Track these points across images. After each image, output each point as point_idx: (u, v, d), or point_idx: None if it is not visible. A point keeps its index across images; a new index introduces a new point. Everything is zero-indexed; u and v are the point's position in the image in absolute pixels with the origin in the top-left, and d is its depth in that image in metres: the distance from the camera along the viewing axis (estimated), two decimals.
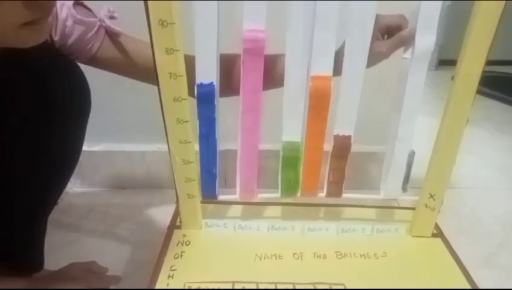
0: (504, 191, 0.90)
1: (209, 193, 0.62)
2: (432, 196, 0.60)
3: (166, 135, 0.55)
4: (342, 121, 0.55)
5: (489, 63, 0.50)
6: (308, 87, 0.52)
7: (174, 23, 0.47)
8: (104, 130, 0.86)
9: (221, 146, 0.61)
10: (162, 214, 0.72)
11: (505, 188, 0.90)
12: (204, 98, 0.53)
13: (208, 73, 0.52)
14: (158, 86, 0.51)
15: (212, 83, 0.52)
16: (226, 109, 0.59)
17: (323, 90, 0.51)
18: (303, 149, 0.58)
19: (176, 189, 0.61)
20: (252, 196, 0.63)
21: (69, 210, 0.82)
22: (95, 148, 0.88)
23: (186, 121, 0.54)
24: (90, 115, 0.69)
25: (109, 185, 0.95)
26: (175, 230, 0.65)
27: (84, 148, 0.83)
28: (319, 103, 0.52)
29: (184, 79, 0.51)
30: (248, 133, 0.57)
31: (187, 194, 0.61)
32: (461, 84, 0.51)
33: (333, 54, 0.50)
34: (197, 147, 0.58)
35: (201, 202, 0.63)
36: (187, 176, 0.59)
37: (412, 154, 0.89)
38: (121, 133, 0.89)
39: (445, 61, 1.76)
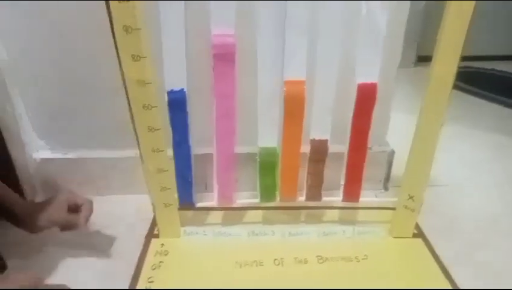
0: (482, 188, 0.90)
1: (186, 200, 0.61)
2: (411, 197, 0.60)
3: (138, 143, 0.54)
4: (318, 125, 0.54)
5: (465, 58, 0.50)
6: (282, 92, 0.51)
7: (140, 29, 0.45)
8: (75, 136, 0.83)
9: (200, 150, 0.60)
10: (139, 222, 0.70)
11: (483, 185, 0.90)
12: (176, 105, 0.52)
13: (177, 79, 0.50)
14: (126, 93, 0.50)
15: (183, 89, 0.51)
16: (206, 111, 0.57)
17: (297, 95, 0.50)
18: (280, 154, 0.56)
19: (151, 198, 0.59)
20: (230, 202, 0.62)
21: None
22: (67, 156, 0.85)
23: (158, 129, 0.52)
24: (61, 121, 0.72)
25: (83, 192, 0.92)
26: (153, 239, 0.63)
27: (56, 155, 0.81)
28: (293, 107, 0.51)
29: (153, 86, 0.49)
30: (223, 139, 0.56)
31: (163, 203, 0.59)
32: (435, 85, 0.51)
33: (305, 58, 0.49)
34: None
35: (180, 209, 0.61)
36: (162, 185, 0.57)
37: (391, 154, 0.90)
38: (93, 139, 0.86)
39: (423, 58, 1.76)
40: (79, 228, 0.58)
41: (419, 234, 0.65)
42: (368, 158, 0.61)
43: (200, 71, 0.52)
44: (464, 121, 1.12)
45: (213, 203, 0.62)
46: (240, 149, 0.59)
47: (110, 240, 0.71)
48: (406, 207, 0.61)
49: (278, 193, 0.61)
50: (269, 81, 0.51)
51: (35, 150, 0.77)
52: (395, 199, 0.62)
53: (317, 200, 0.62)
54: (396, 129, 0.85)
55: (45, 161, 0.77)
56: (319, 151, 0.56)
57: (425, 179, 0.59)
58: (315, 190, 0.61)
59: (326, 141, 0.55)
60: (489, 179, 0.91)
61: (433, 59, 0.50)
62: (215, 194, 0.61)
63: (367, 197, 0.67)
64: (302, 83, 0.50)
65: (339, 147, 0.59)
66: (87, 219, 0.60)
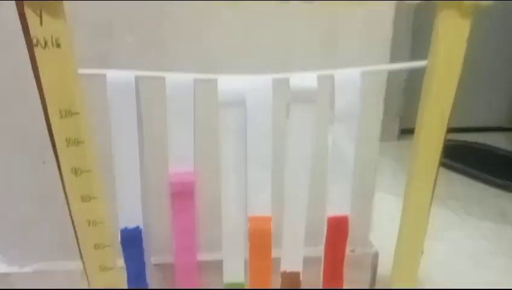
0: (481, 285, 0.82)
1: None
2: None
3: (83, 262, 0.48)
4: (289, 257, 0.50)
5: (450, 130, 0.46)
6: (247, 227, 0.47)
7: (90, 170, 0.42)
8: (35, 248, 0.76)
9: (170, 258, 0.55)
10: None
11: (482, 281, 0.83)
12: (130, 244, 0.47)
13: (132, 216, 0.46)
14: (75, 232, 0.45)
15: (138, 227, 0.47)
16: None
17: (263, 231, 0.47)
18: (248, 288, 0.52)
19: None
20: None
21: None
22: (27, 269, 0.78)
23: (111, 268, 0.47)
24: (18, 231, 0.66)
25: None
26: None
27: (14, 269, 0.74)
28: (260, 243, 0.47)
29: (105, 226, 0.45)
30: (185, 274, 0.51)
31: None
32: (422, 161, 0.48)
33: (270, 193, 0.46)
34: None
35: None
36: None
37: (375, 256, 0.84)
38: (56, 250, 0.79)
39: (407, 131, 1.75)
40: None
41: None
42: (351, 261, 0.56)
43: (158, 207, 0.49)
44: (453, 205, 1.07)
45: None
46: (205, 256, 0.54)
47: None
48: None
49: None
50: (233, 217, 0.47)
51: None
52: None
53: None
54: (381, 214, 0.77)
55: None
56: (292, 284, 0.51)
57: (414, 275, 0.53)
58: None
59: (298, 273, 0.51)
60: (488, 275, 0.83)
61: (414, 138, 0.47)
62: None
63: None
64: (268, 219, 0.46)
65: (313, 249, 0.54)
66: None
